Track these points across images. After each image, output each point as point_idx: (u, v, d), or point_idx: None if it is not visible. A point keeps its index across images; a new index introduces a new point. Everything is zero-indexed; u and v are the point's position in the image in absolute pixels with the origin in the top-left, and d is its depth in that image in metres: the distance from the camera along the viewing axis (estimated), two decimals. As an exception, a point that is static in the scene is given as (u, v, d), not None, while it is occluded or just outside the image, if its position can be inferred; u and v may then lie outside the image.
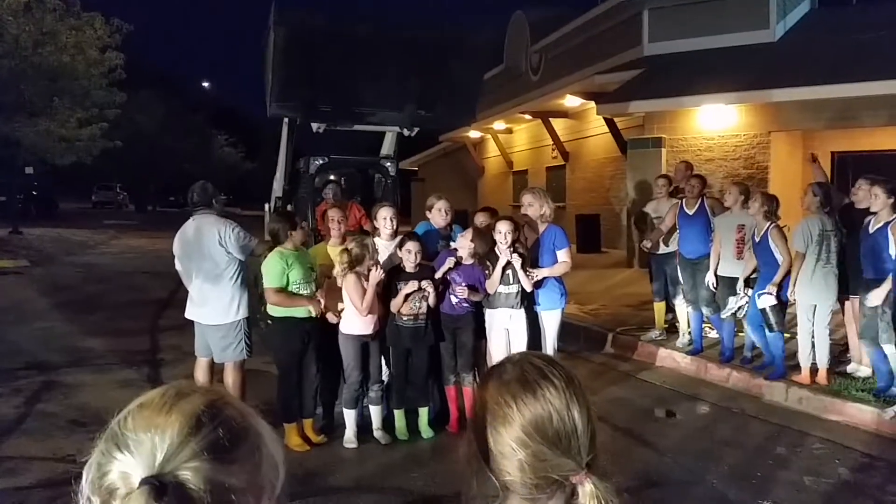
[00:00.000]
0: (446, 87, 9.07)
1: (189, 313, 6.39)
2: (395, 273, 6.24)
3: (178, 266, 6.51)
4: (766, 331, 7.35)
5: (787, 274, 7.14)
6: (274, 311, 6.03)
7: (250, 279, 6.45)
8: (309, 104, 8.94)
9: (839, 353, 7.86)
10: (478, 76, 10.12)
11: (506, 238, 6.18)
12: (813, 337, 7.16)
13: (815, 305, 7.09)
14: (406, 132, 9.87)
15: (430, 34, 9.18)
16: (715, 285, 8.07)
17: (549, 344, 6.61)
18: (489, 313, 6.44)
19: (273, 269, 5.89)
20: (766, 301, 7.19)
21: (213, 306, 6.20)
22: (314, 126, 9.34)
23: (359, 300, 5.99)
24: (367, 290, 5.97)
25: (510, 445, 1.28)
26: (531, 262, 6.45)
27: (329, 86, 8.70)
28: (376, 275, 5.93)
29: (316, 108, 9.04)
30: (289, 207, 10.72)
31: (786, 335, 7.48)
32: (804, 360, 7.16)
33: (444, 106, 9.31)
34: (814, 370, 7.21)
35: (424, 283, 6.13)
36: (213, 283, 6.18)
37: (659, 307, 9.20)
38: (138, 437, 0.96)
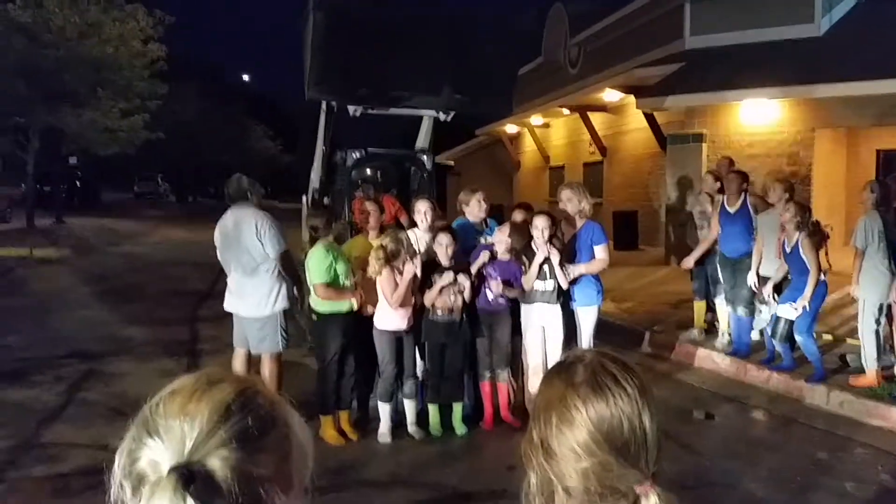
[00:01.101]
0: (483, 71, 9.06)
1: (227, 305, 6.45)
2: (430, 266, 6.23)
3: (219, 257, 6.57)
4: (780, 337, 7.36)
5: (815, 286, 7.07)
6: (320, 305, 6.06)
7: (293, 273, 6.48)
8: (346, 87, 8.99)
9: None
10: (515, 61, 10.11)
11: (543, 234, 6.14)
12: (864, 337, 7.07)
13: (881, 304, 7.00)
14: (442, 116, 9.86)
15: (467, 17, 9.18)
16: (757, 285, 7.93)
17: (585, 341, 6.55)
18: (525, 309, 6.40)
19: (322, 264, 5.91)
20: (786, 312, 7.15)
21: (251, 299, 6.25)
22: (351, 110, 9.38)
23: (391, 294, 5.99)
24: (399, 285, 5.95)
25: (575, 450, 1.25)
26: (568, 257, 6.39)
27: (366, 69, 8.75)
28: (410, 268, 5.91)
29: (353, 91, 9.09)
30: (325, 200, 10.78)
31: (826, 337, 7.35)
32: (872, 362, 7.02)
33: (480, 90, 9.29)
34: (860, 372, 7.12)
35: (460, 277, 6.10)
36: (250, 275, 6.22)
37: (699, 306, 9.07)
38: (168, 423, 0.96)
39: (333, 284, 5.95)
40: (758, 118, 14.52)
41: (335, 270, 5.93)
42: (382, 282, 6.02)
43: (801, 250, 7.15)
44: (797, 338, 7.20)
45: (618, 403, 1.25)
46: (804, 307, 7.07)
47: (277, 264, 6.27)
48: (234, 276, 6.34)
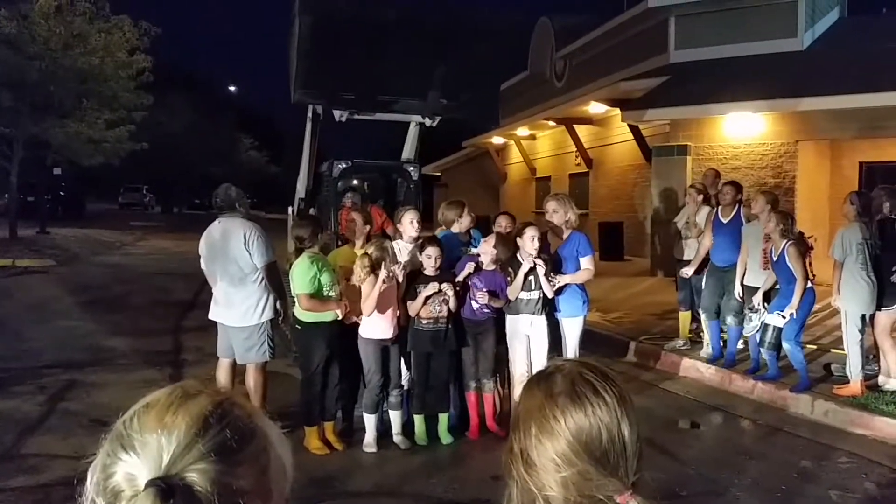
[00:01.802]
0: (469, 76, 9.12)
1: (213, 314, 6.42)
2: (415, 277, 6.23)
3: (204, 267, 6.55)
4: (767, 345, 7.40)
5: (802, 293, 7.10)
6: (303, 315, 6.04)
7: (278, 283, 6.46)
8: (332, 90, 9.02)
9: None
10: (501, 67, 10.21)
11: (534, 244, 6.15)
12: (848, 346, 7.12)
13: (862, 314, 7.06)
14: (428, 122, 9.91)
15: (454, 23, 9.25)
16: (741, 295, 7.98)
17: (570, 351, 6.56)
18: (510, 319, 6.40)
19: (306, 275, 5.89)
20: (775, 320, 7.20)
21: (238, 308, 6.23)
22: (337, 115, 9.42)
23: (366, 300, 5.97)
24: (375, 290, 5.93)
25: (554, 461, 1.24)
26: (554, 268, 6.41)
27: (352, 73, 8.80)
28: (383, 273, 5.88)
29: (339, 95, 9.12)
30: (311, 211, 10.78)
31: (810, 347, 7.39)
32: (856, 371, 7.06)
33: (466, 95, 9.35)
34: (844, 381, 7.17)
35: (445, 287, 6.10)
36: (237, 285, 6.21)
37: (684, 317, 9.11)
38: (144, 437, 0.94)
39: (317, 295, 5.92)
40: (742, 130, 14.65)
41: (319, 281, 5.91)
42: (366, 289, 6.00)
43: (787, 259, 7.19)
44: (784, 345, 7.23)
45: (596, 413, 1.25)
46: (791, 315, 7.11)
47: (264, 274, 6.25)
48: (220, 285, 6.32)
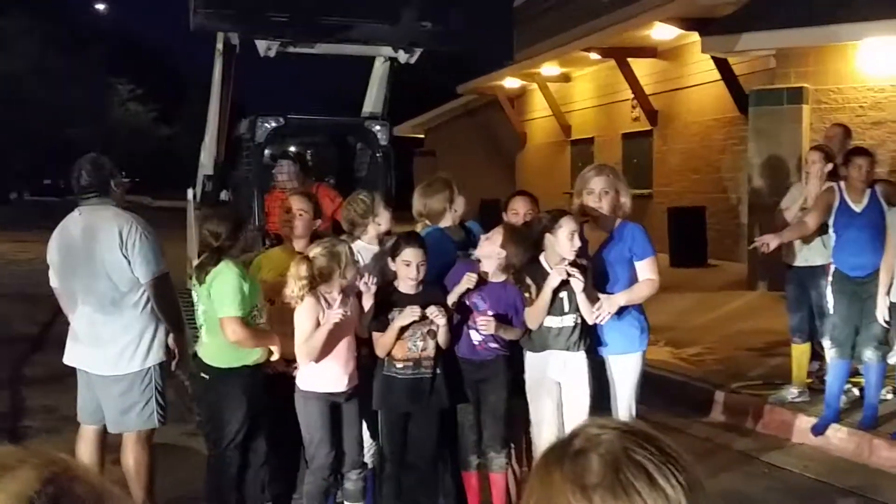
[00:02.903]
0: None
1: (71, 357, 6.43)
2: (385, 296, 6.24)
3: (54, 283, 6.56)
4: None
5: None
6: (213, 357, 6.06)
7: None
8: (253, 11, 9.00)
9: None
10: None
11: (573, 244, 6.14)
12: None
13: None
14: (403, 56, 9.89)
15: None
16: (887, 319, 8.01)
17: (623, 406, 6.58)
18: (532, 359, 6.42)
19: (237, 290, 5.92)
20: None
21: (110, 348, 6.24)
22: (261, 47, 9.39)
23: (303, 340, 5.97)
24: (322, 325, 5.94)
25: None
26: (596, 279, 6.42)
27: None
28: (337, 312, 5.85)
29: (263, 17, 9.10)
30: (224, 194, 10.76)
31: None
32: None
33: (461, 16, 9.35)
34: None
35: (431, 311, 6.11)
36: (108, 311, 6.23)
37: (799, 352, 9.14)
38: None
39: (250, 322, 5.97)
40: (886, 65, 14.69)
41: (251, 302, 5.97)
42: (301, 316, 6.00)
43: None
44: None
45: None
46: None
47: (150, 294, 6.27)
48: (82, 312, 6.33)
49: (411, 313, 6.10)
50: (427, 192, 7.04)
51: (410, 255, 6.18)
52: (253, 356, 6.05)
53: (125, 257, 6.16)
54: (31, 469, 1.01)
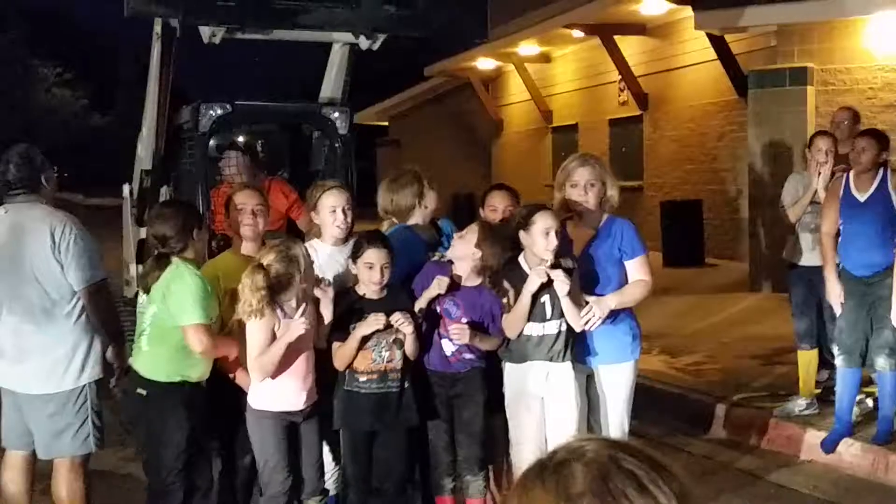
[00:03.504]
0: None
1: (-6, 374, 6.38)
2: (346, 302, 6.25)
3: None
4: None
5: None
6: (151, 371, 6.04)
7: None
8: None
9: None
10: None
11: (548, 242, 6.14)
12: None
13: None
14: (364, 43, 9.89)
15: None
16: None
17: (615, 422, 6.61)
18: (511, 371, 6.43)
19: (196, 294, 5.92)
20: None
21: (39, 362, 6.22)
22: (205, 33, 9.36)
23: (257, 355, 5.97)
24: (280, 337, 5.94)
25: None
26: (582, 281, 6.44)
27: None
28: (300, 324, 5.86)
29: (208, 2, 9.07)
30: (165, 191, 10.73)
31: None
32: None
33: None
34: None
35: (396, 318, 6.11)
36: (39, 321, 6.21)
37: (806, 360, 9.18)
38: None
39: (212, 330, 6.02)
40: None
41: (213, 307, 6.00)
42: (253, 328, 5.99)
43: None
44: None
45: None
46: None
47: (86, 302, 6.26)
48: (7, 323, 6.30)
49: (375, 321, 6.09)
50: (394, 186, 7.03)
51: (373, 256, 6.18)
52: (197, 371, 6.03)
53: (58, 262, 6.14)
54: None
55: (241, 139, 10.59)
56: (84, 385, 6.26)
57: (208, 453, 6.22)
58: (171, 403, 6.03)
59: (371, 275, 6.19)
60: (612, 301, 6.45)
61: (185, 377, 6.02)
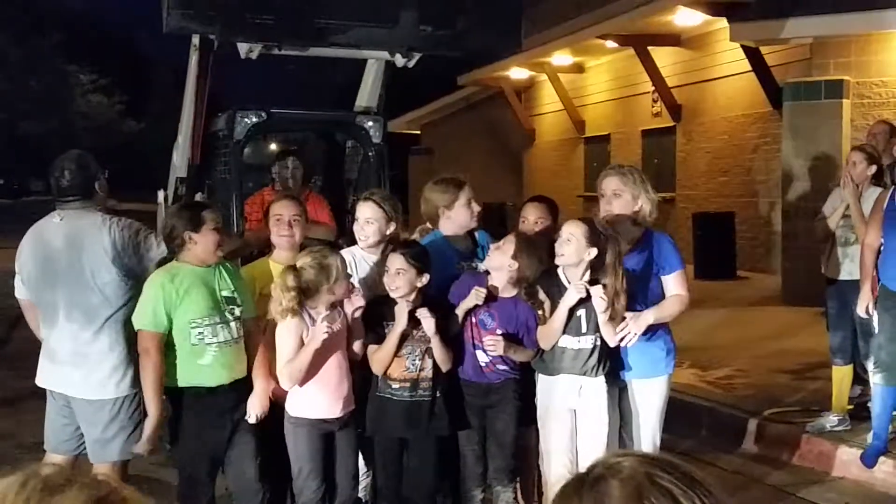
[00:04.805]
0: None
1: (46, 378, 6.42)
2: (376, 310, 6.25)
3: (21, 295, 6.57)
4: None
5: None
6: (171, 375, 6.04)
7: None
8: (234, 11, 8.99)
9: None
10: None
11: (582, 253, 6.11)
12: None
13: None
14: (400, 61, 9.90)
15: None
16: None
17: (647, 436, 6.59)
18: (544, 382, 6.42)
19: (146, 299, 5.94)
20: None
21: (96, 369, 6.24)
22: (242, 49, 9.39)
23: (285, 362, 5.99)
24: (307, 344, 5.94)
25: None
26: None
27: None
28: (322, 329, 5.84)
29: (246, 20, 9.09)
30: (199, 197, 10.76)
31: None
32: None
33: (466, 18, 9.35)
34: None
35: (421, 313, 6.09)
36: (96, 328, 6.23)
37: (840, 375, 9.13)
38: None
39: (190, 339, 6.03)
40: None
41: (171, 313, 5.98)
42: (283, 334, 6.01)
43: None
44: None
45: None
46: None
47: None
48: (65, 329, 6.30)
49: (401, 318, 6.08)
50: (432, 186, 7.03)
51: (395, 263, 6.19)
52: (208, 377, 6.01)
53: (117, 268, 6.17)
54: (79, 490, 1.02)
55: (273, 146, 10.60)
56: (137, 391, 6.26)
57: (249, 459, 6.17)
58: (187, 409, 6.05)
59: (395, 280, 6.17)
60: (650, 317, 6.37)
61: (198, 383, 6.02)
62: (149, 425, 6.00)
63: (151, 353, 5.90)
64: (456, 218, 6.86)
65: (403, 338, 6.14)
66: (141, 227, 6.34)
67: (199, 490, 6.08)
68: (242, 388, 6.08)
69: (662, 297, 6.54)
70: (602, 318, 6.15)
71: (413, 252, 6.27)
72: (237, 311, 6.10)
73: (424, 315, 6.08)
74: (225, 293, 6.09)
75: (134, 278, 6.23)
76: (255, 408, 6.05)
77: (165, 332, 5.92)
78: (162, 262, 6.28)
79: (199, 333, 5.96)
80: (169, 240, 6.10)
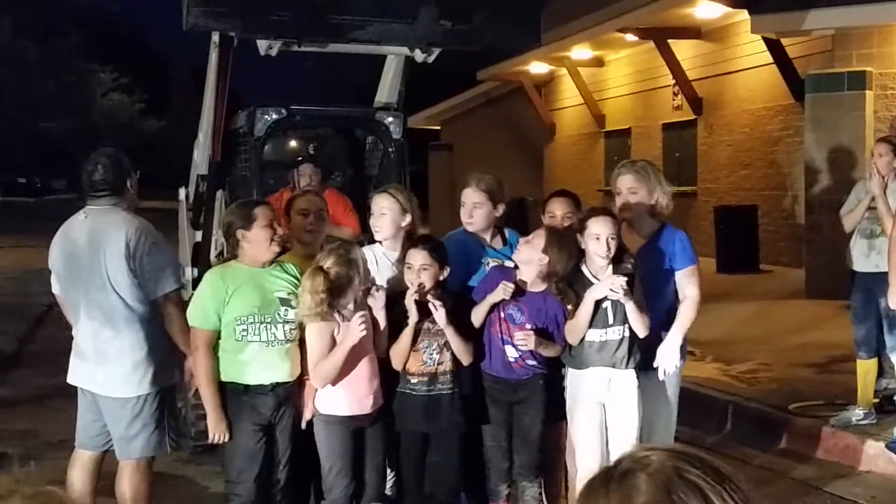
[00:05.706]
0: None
1: (76, 376, 6.46)
2: (397, 307, 6.24)
3: (57, 291, 6.61)
4: None
5: None
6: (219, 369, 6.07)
7: None
8: (253, 8, 9.02)
9: None
10: None
11: (607, 247, 6.11)
12: None
13: None
14: (420, 56, 9.91)
15: None
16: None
17: (661, 429, 6.62)
18: (573, 376, 6.41)
19: (197, 299, 6.00)
20: None
21: (118, 367, 6.27)
22: (262, 46, 9.43)
23: (315, 362, 5.99)
24: (342, 342, 5.94)
25: None
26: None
27: None
28: (358, 322, 5.84)
29: (266, 17, 9.12)
30: (220, 195, 10.78)
31: None
32: None
33: (485, 13, 9.35)
34: None
35: (432, 303, 6.09)
36: (116, 327, 6.26)
37: (865, 369, 9.11)
38: None
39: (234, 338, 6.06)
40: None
41: (220, 311, 6.05)
42: (313, 334, 6.01)
43: None
44: None
45: None
46: None
47: (169, 311, 6.32)
48: (87, 327, 6.36)
49: (413, 308, 6.10)
50: (482, 179, 6.98)
51: (415, 258, 6.22)
52: (247, 374, 6.01)
53: (131, 270, 6.18)
54: (20, 502, 0.99)
55: (293, 143, 10.61)
56: (160, 389, 6.31)
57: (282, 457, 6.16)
58: (231, 406, 6.05)
59: (412, 275, 6.19)
60: (677, 336, 6.51)
61: (239, 380, 6.03)
62: (209, 419, 6.05)
63: (200, 349, 6.00)
64: (467, 217, 6.86)
65: (418, 332, 6.18)
66: (167, 250, 6.46)
67: (238, 488, 6.07)
68: (282, 391, 6.06)
69: (675, 290, 6.60)
70: (630, 308, 6.17)
71: (433, 245, 6.33)
72: (290, 314, 6.09)
73: (435, 305, 6.09)
74: (280, 294, 6.12)
75: (144, 288, 6.24)
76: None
77: (215, 330, 6.00)
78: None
79: (244, 330, 5.99)
80: (226, 237, 6.20)
